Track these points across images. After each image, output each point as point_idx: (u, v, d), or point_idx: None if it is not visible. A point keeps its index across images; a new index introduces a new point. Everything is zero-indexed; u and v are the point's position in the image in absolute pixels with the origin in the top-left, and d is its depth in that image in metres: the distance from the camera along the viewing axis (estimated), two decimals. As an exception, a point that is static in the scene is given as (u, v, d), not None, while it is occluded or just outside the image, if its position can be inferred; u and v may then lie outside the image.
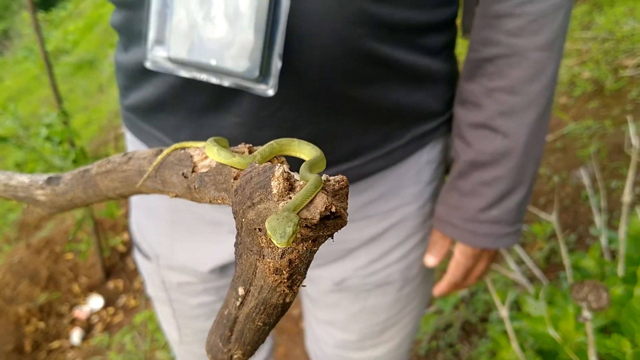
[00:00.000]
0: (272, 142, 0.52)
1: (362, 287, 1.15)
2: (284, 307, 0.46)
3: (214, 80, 0.78)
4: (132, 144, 1.09)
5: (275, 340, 1.71)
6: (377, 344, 1.27)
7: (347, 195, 0.43)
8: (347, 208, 0.42)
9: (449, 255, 1.15)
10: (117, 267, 3.57)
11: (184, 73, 0.79)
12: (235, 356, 0.53)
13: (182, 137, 0.96)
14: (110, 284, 3.48)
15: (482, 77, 0.97)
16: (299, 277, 0.43)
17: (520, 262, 2.41)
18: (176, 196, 0.57)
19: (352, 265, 1.12)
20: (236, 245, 0.45)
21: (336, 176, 0.43)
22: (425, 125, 1.03)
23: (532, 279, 2.30)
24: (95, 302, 3.37)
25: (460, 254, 1.09)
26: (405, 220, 1.10)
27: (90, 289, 3.49)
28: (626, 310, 1.15)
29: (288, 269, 0.41)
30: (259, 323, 0.48)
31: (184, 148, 0.58)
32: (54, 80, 2.84)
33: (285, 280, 0.42)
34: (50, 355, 3.11)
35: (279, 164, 0.42)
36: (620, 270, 1.42)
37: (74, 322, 3.30)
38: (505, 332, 1.52)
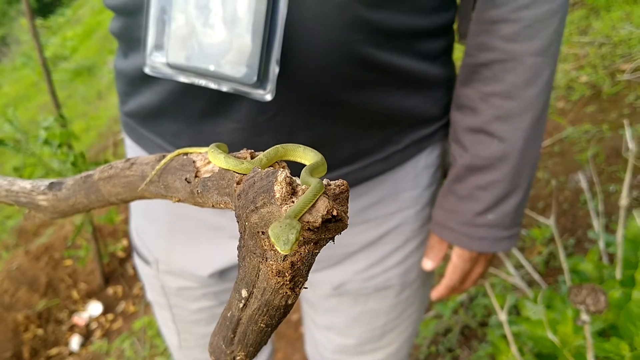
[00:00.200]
0: (273, 147, 0.53)
1: (361, 291, 1.16)
2: (286, 308, 0.47)
3: (212, 85, 0.79)
4: (132, 149, 1.10)
5: (274, 346, 1.72)
6: (377, 348, 1.27)
7: (347, 199, 0.44)
8: (347, 211, 0.43)
9: (446, 259, 1.16)
10: (116, 273, 3.57)
11: (183, 78, 0.80)
12: (237, 358, 0.53)
13: (181, 143, 0.97)
14: (110, 290, 3.48)
15: (478, 82, 0.98)
16: (301, 279, 0.43)
17: (519, 266, 2.42)
18: (179, 201, 0.58)
19: (351, 270, 1.13)
20: (239, 248, 0.46)
21: (337, 180, 0.44)
22: (423, 130, 1.04)
23: (531, 283, 2.30)
24: (94, 308, 3.37)
25: (458, 258, 1.09)
26: (403, 224, 1.11)
27: (89, 295, 3.48)
28: (624, 314, 1.16)
29: (290, 271, 0.42)
30: (261, 325, 0.48)
31: (186, 154, 0.59)
32: (52, 87, 2.84)
33: (288, 282, 0.43)
34: (49, 361, 3.11)
35: (281, 169, 0.43)
36: (618, 273, 1.42)
37: (72, 328, 3.29)
38: (504, 336, 1.53)
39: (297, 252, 0.41)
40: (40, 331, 3.24)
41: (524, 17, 0.90)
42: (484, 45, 0.95)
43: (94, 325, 3.29)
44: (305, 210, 0.40)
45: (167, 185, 0.58)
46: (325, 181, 0.43)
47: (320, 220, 0.40)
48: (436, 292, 1.18)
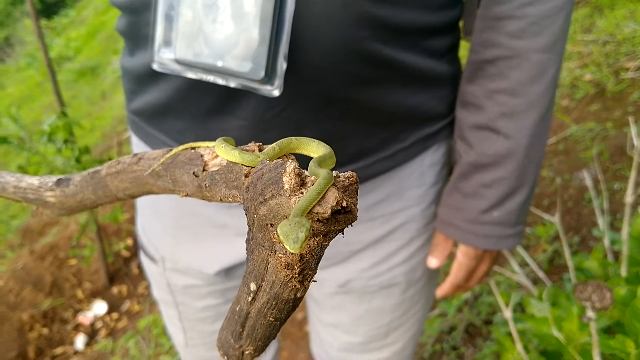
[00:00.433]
0: (281, 140, 0.53)
1: (367, 289, 1.16)
2: (295, 302, 0.47)
3: (220, 81, 0.79)
4: (138, 147, 1.10)
5: (279, 344, 1.72)
6: (382, 346, 1.27)
7: (357, 191, 0.44)
8: (357, 204, 0.43)
9: (451, 257, 1.16)
10: (120, 273, 3.58)
11: (191, 75, 0.80)
12: (246, 352, 0.53)
13: (188, 141, 0.97)
14: (114, 289, 3.49)
15: (484, 79, 0.98)
16: (310, 272, 0.43)
17: (523, 264, 2.42)
18: (187, 195, 0.58)
19: (356, 267, 1.13)
20: (248, 241, 0.46)
21: (346, 172, 0.44)
22: (428, 127, 1.04)
23: (535, 281, 2.30)
24: (99, 307, 3.38)
25: (463, 256, 1.09)
26: (409, 222, 1.11)
27: (94, 294, 3.49)
28: (630, 311, 1.16)
29: (300, 264, 0.42)
30: (270, 318, 0.48)
31: (194, 148, 0.59)
32: (57, 87, 2.85)
33: (297, 275, 0.43)
34: (54, 361, 3.12)
35: (290, 160, 0.43)
36: (624, 270, 1.42)
37: (77, 327, 3.30)
38: (509, 334, 1.53)
39: (307, 244, 0.41)
40: (45, 330, 3.25)
41: (529, 13, 0.90)
42: (489, 42, 0.95)
43: (98, 324, 3.30)
44: (316, 202, 0.40)
45: (174, 180, 0.58)
46: (334, 173, 0.43)
47: (329, 211, 0.40)
48: (441, 290, 1.18)
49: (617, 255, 1.76)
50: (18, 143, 2.51)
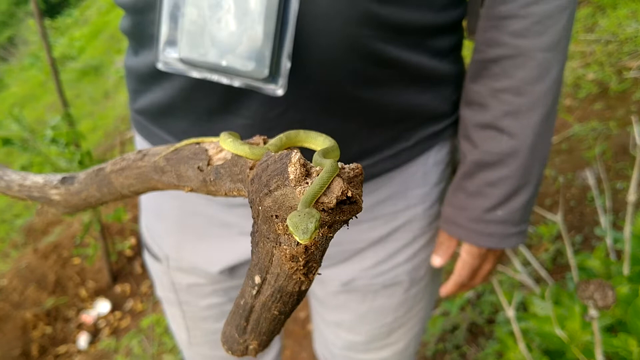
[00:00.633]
0: (285, 132, 0.53)
1: (370, 288, 1.16)
2: (300, 295, 0.47)
3: (224, 80, 0.79)
4: (142, 146, 1.10)
5: (282, 342, 1.72)
6: (385, 345, 1.27)
7: (361, 183, 0.44)
8: (362, 195, 0.43)
9: (455, 256, 1.16)
10: (124, 272, 3.58)
11: (196, 74, 0.80)
12: (250, 346, 0.54)
13: (192, 140, 0.97)
14: (117, 288, 3.49)
15: (488, 78, 0.98)
16: (314, 265, 0.43)
17: (526, 263, 2.42)
18: (191, 190, 0.58)
19: (359, 266, 1.13)
20: (252, 234, 0.46)
21: (351, 164, 0.44)
22: (432, 126, 1.04)
23: (538, 280, 2.30)
24: (102, 306, 3.38)
25: (467, 254, 1.09)
26: (412, 221, 1.11)
27: (97, 293, 3.50)
28: (632, 309, 1.16)
29: (304, 256, 0.42)
30: (274, 312, 0.49)
31: (198, 143, 0.60)
32: (60, 86, 2.86)
33: (302, 268, 0.43)
34: (57, 360, 3.12)
35: (295, 151, 0.43)
36: (626, 269, 1.42)
37: (81, 326, 3.31)
38: (512, 333, 1.53)
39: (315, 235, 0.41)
40: (48, 329, 3.26)
41: (533, 12, 0.90)
42: (493, 41, 0.95)
43: (102, 323, 3.31)
44: (322, 191, 0.40)
45: (179, 175, 0.59)
46: (340, 164, 0.43)
47: (334, 201, 0.40)
48: (445, 289, 1.18)
49: (619, 254, 1.77)
50: (21, 144, 2.51)
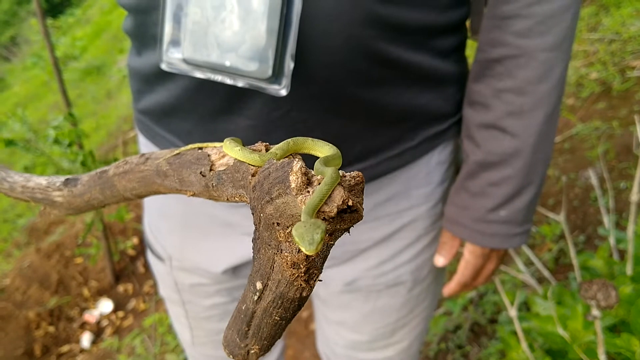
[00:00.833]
0: (288, 140, 0.53)
1: (373, 288, 1.16)
2: (301, 301, 0.47)
3: (228, 81, 0.79)
4: (146, 147, 1.11)
5: (285, 342, 1.72)
6: (388, 345, 1.27)
7: (362, 191, 0.44)
8: (362, 203, 0.43)
9: (458, 256, 1.16)
10: (126, 271, 3.59)
11: (199, 74, 0.80)
12: (252, 351, 0.54)
13: (195, 141, 0.97)
14: (120, 288, 3.50)
15: (491, 78, 0.98)
16: (315, 272, 0.44)
17: (529, 263, 2.41)
18: (193, 195, 0.58)
19: (363, 266, 1.13)
20: (254, 240, 0.46)
21: (352, 172, 0.44)
22: (435, 126, 1.04)
23: (541, 280, 2.30)
24: (105, 305, 3.39)
25: (470, 254, 1.09)
26: (415, 221, 1.11)
27: (100, 292, 3.51)
28: (635, 309, 1.16)
29: (305, 263, 0.42)
30: (276, 317, 0.49)
31: (201, 148, 0.60)
32: (63, 86, 2.86)
33: (303, 274, 0.43)
34: (60, 359, 3.12)
35: (297, 160, 0.44)
36: (629, 269, 1.42)
37: (83, 325, 3.32)
38: (514, 333, 1.53)
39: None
40: (51, 328, 3.26)
41: (536, 12, 0.90)
42: (496, 41, 0.95)
43: (104, 322, 3.31)
44: (324, 201, 0.41)
45: (182, 179, 0.59)
46: (340, 172, 0.43)
47: (335, 210, 0.40)
48: (448, 289, 1.18)
49: (622, 254, 1.76)
50: (24, 144, 2.51)
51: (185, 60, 0.79)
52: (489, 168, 1.01)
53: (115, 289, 3.51)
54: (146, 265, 3.51)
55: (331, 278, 1.17)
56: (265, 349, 0.54)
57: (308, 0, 0.77)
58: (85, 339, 3.19)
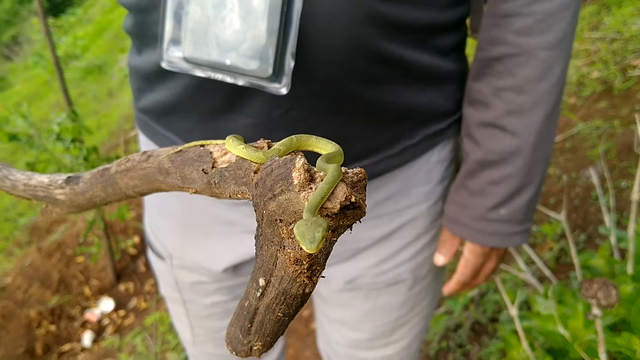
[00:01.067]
0: (290, 137, 0.53)
1: (373, 286, 1.16)
2: (304, 297, 0.47)
3: (228, 79, 0.79)
4: (146, 146, 1.11)
5: (286, 341, 1.73)
6: (388, 343, 1.28)
7: (365, 187, 0.44)
8: (365, 199, 0.43)
9: (458, 255, 1.16)
10: (127, 270, 3.59)
11: (200, 73, 0.80)
12: (254, 347, 0.54)
13: (196, 140, 0.97)
14: (121, 287, 3.50)
15: (491, 77, 0.98)
16: (318, 268, 0.44)
17: (530, 262, 2.42)
18: (195, 192, 0.58)
19: (363, 264, 1.13)
20: (257, 237, 0.47)
21: (355, 169, 0.44)
22: (435, 125, 1.04)
23: (541, 279, 2.30)
24: (106, 304, 3.39)
25: (470, 253, 1.09)
26: (415, 219, 1.11)
27: (101, 291, 3.51)
28: (636, 308, 1.16)
29: (308, 260, 0.42)
30: (278, 314, 0.49)
31: (202, 145, 0.60)
32: (64, 85, 2.86)
33: (305, 271, 0.43)
34: (61, 357, 3.13)
35: (299, 156, 0.44)
36: (630, 268, 1.42)
37: (85, 324, 3.32)
38: (515, 332, 1.53)
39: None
40: (52, 327, 3.27)
41: (537, 10, 0.90)
42: (496, 39, 0.95)
43: (105, 321, 3.32)
44: (327, 197, 0.41)
45: (184, 177, 0.59)
46: (342, 169, 0.43)
47: (338, 206, 0.40)
48: (448, 288, 1.18)
49: (623, 253, 1.76)
50: (27, 140, 2.52)
51: (185, 59, 0.79)
52: (489, 167, 1.01)
53: (117, 288, 3.51)
54: (147, 264, 3.51)
55: (332, 276, 1.17)
56: (268, 345, 0.54)
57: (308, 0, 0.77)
58: (87, 337, 3.19)
